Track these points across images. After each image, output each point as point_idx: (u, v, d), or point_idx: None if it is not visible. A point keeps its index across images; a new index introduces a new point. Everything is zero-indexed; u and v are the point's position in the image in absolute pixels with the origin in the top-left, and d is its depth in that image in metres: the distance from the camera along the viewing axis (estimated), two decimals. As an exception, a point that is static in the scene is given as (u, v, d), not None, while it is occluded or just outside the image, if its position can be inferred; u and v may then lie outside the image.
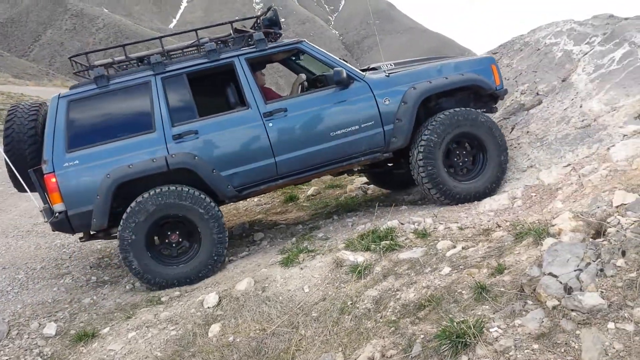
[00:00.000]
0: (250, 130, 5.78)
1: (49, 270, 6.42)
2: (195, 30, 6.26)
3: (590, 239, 3.67)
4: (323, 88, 6.10)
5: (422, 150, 5.99)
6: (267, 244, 6.37)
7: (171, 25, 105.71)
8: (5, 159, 5.70)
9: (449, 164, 6.20)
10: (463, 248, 4.64)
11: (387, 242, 5.08)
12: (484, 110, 6.58)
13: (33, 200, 5.97)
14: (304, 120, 5.90)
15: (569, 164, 5.65)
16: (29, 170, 5.61)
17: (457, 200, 6.11)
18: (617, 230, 3.56)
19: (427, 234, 5.23)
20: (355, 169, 6.95)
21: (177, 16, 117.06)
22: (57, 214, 5.40)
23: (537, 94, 7.14)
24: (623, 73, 6.24)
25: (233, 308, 4.62)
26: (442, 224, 5.46)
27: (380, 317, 3.99)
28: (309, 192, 8.53)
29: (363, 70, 6.59)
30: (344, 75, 5.85)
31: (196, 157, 5.59)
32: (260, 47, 5.97)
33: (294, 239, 6.15)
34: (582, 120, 6.14)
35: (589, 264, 3.36)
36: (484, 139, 6.15)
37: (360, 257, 4.87)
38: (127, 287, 5.90)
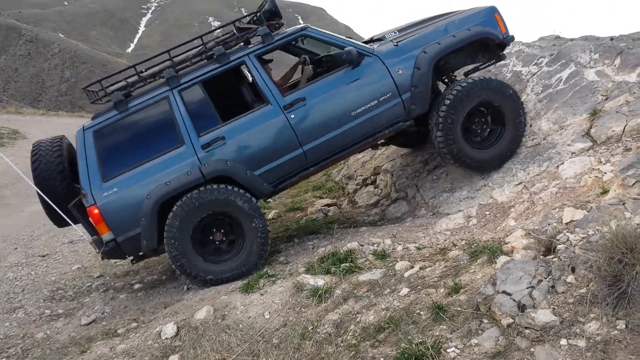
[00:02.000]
0: (274, 125, 5.80)
1: (0, 305, 6.20)
2: (201, 36, 6.25)
3: (541, 256, 3.77)
4: (335, 70, 6.07)
5: (442, 118, 6.01)
6: (226, 270, 6.29)
7: (128, 50, 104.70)
8: (44, 198, 5.74)
9: (466, 131, 6.23)
10: (421, 268, 4.69)
11: (347, 264, 5.10)
12: (493, 60, 6.71)
13: (79, 232, 6.02)
14: (324, 105, 5.90)
15: (521, 182, 5.80)
16: (69, 207, 5.68)
17: (470, 168, 6.29)
18: (567, 247, 3.66)
19: (386, 254, 5.26)
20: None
21: (135, 40, 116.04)
22: (107, 243, 5.51)
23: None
24: (570, 92, 6.47)
25: (192, 338, 4.54)
26: (400, 244, 5.51)
27: (341, 342, 3.98)
28: (270, 216, 8.49)
29: (367, 42, 6.64)
30: (355, 53, 5.86)
31: (228, 162, 5.68)
32: (267, 41, 6.00)
33: (254, 264, 6.09)
34: (532, 139, 6.33)
35: (540, 281, 3.44)
36: (504, 109, 6.20)
37: (320, 281, 4.87)
38: (83, 320, 5.74)
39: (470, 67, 6.85)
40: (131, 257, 5.94)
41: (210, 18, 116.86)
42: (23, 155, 14.03)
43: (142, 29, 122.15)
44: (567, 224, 4.20)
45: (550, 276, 3.46)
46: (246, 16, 6.74)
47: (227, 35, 6.38)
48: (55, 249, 7.86)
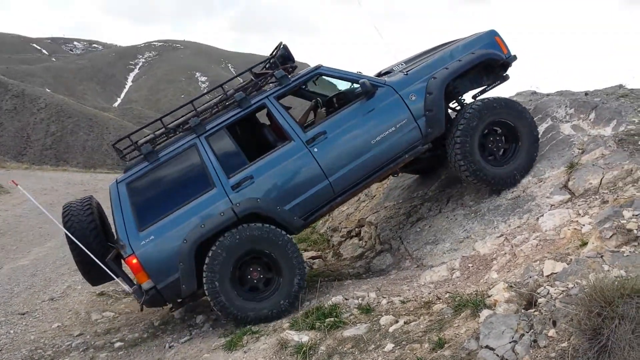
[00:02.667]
0: (300, 161, 6.03)
1: (-24, 367, 6.04)
2: (221, 85, 6.70)
3: (523, 310, 3.79)
4: (351, 103, 6.33)
5: (459, 138, 6.23)
6: (209, 326, 6.23)
7: (115, 104, 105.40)
8: (85, 256, 5.90)
9: (483, 149, 6.43)
10: (405, 322, 4.67)
11: (332, 319, 5.07)
12: (497, 81, 6.96)
13: (122, 284, 6.03)
14: (344, 137, 6.14)
15: (502, 234, 5.87)
16: (107, 261, 5.85)
17: (488, 184, 6.45)
18: (547, 301, 3.69)
19: (371, 308, 5.24)
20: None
21: (122, 95, 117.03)
22: (148, 291, 5.63)
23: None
24: (547, 146, 6.64)
25: (173, 398, 4.44)
26: (385, 297, 5.50)
27: (325, 400, 3.92)
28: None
29: (378, 75, 6.95)
30: (369, 84, 6.17)
31: (259, 200, 5.87)
32: (285, 82, 6.29)
33: (237, 320, 6.03)
34: (512, 192, 6.44)
35: (522, 335, 3.46)
36: (518, 127, 6.41)
37: (305, 337, 4.83)
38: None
39: (477, 90, 7.11)
40: (170, 305, 6.07)
41: (197, 73, 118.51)
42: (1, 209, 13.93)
43: (129, 83, 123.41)
44: (547, 276, 4.24)
45: (532, 330, 3.47)
46: (260, 63, 7.04)
47: (245, 82, 6.70)
48: (35, 306, 7.71)
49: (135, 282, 5.87)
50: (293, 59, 6.72)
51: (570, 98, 7.15)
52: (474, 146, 6.28)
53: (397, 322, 4.74)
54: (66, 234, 6.08)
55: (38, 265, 9.13)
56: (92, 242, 6.02)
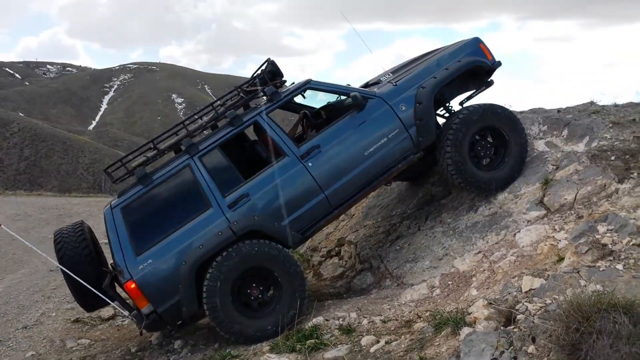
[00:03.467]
0: (295, 176, 6.05)
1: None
2: (211, 104, 6.72)
3: (502, 327, 3.80)
4: (342, 116, 6.36)
5: (449, 145, 6.32)
6: (187, 351, 6.13)
7: (90, 127, 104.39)
8: (78, 283, 5.82)
9: (473, 155, 6.52)
10: (386, 342, 4.65)
11: (313, 340, 5.03)
12: (483, 87, 7.06)
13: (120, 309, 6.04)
14: (338, 150, 6.19)
15: (480, 251, 5.90)
16: (103, 288, 5.81)
17: (479, 189, 6.55)
18: (526, 317, 3.71)
19: (352, 329, 5.22)
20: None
21: (97, 118, 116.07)
22: (148, 316, 5.57)
23: (447, 184, 7.52)
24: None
25: None
26: (366, 317, 5.48)
27: None
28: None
29: (366, 86, 7.04)
30: (360, 97, 6.22)
31: (256, 217, 5.86)
32: (276, 98, 6.32)
33: (216, 344, 5.95)
34: (489, 208, 6.49)
35: (502, 352, 3.46)
36: (506, 131, 6.53)
37: (285, 360, 4.77)
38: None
39: (464, 96, 7.21)
40: (170, 328, 6.05)
41: (173, 95, 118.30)
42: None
43: (104, 106, 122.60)
44: (526, 292, 4.27)
45: (512, 347, 3.48)
46: (248, 81, 7.00)
47: (235, 100, 6.73)
48: (8, 335, 7.51)
49: (133, 307, 5.79)
50: (281, 74, 6.76)
51: (543, 115, 7.27)
52: (465, 154, 6.38)
53: (378, 342, 4.72)
54: (60, 267, 5.99)
55: (11, 293, 8.91)
56: (87, 268, 5.95)
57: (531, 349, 3.41)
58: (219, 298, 5.54)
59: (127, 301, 6.06)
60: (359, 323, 5.37)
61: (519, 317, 3.79)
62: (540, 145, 6.79)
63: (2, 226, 6.32)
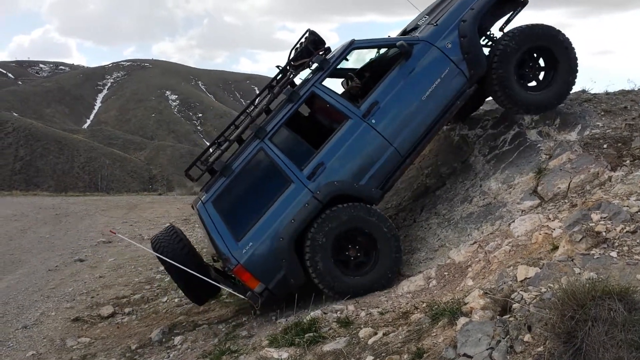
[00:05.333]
0: (362, 135, 6.24)
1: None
2: (267, 87, 7.01)
3: (498, 316, 3.83)
4: (392, 67, 6.45)
5: (496, 60, 6.49)
6: (187, 347, 6.15)
7: (85, 126, 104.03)
8: (193, 278, 6.17)
9: (520, 74, 6.69)
10: (384, 334, 4.67)
11: (311, 334, 5.04)
12: (519, 7, 7.12)
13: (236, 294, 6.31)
14: (396, 102, 6.32)
15: (476, 242, 5.94)
16: (214, 278, 6.32)
17: (527, 109, 6.78)
18: (521, 306, 3.74)
19: (349, 321, 5.23)
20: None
21: (91, 116, 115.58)
22: (262, 294, 5.95)
23: (441, 176, 7.56)
24: (515, 153, 6.77)
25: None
26: (364, 309, 5.51)
27: (307, 416, 3.90)
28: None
29: (404, 33, 7.22)
30: (406, 44, 6.33)
31: (336, 183, 6.11)
32: (326, 66, 6.43)
33: (216, 339, 5.99)
34: (483, 199, 6.53)
35: (499, 341, 3.49)
36: (557, 54, 6.66)
37: (284, 354, 4.80)
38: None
39: (502, 21, 7.26)
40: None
41: (167, 92, 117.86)
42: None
43: (98, 104, 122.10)
44: (521, 281, 4.30)
45: (508, 336, 3.51)
46: (292, 55, 7.00)
47: (286, 77, 6.88)
48: (8, 335, 7.52)
49: (245, 288, 6.07)
50: (324, 41, 6.81)
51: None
52: (511, 71, 6.51)
53: (376, 334, 4.73)
54: (173, 263, 6.25)
55: (10, 293, 8.92)
56: (191, 265, 6.24)
57: (527, 337, 3.44)
58: (322, 263, 5.88)
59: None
60: (356, 315, 5.39)
61: (514, 306, 3.82)
62: (533, 135, 6.83)
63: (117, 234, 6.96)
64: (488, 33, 7.21)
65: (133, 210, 16.04)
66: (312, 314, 5.51)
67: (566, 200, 5.60)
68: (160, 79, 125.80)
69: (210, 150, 6.96)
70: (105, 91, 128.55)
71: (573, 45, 6.73)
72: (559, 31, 6.70)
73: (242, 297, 6.14)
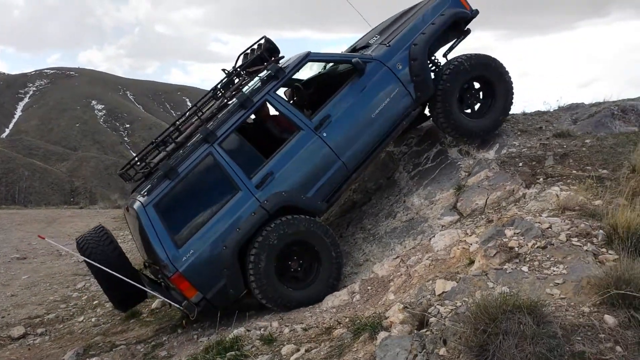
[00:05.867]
0: (312, 147, 6.27)
1: None
2: (214, 88, 6.91)
3: (416, 331, 3.90)
4: (345, 83, 6.54)
5: (440, 94, 6.70)
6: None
7: (3, 135, 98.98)
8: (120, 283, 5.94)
9: (461, 104, 6.94)
10: (306, 350, 4.66)
11: (233, 352, 4.95)
12: (462, 36, 7.35)
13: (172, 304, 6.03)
14: (347, 117, 6.42)
15: (398, 256, 6.03)
16: (148, 285, 6.14)
17: (467, 135, 6.99)
18: (438, 320, 3.82)
19: (273, 339, 5.18)
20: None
21: (10, 126, 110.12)
22: (199, 303, 5.82)
23: (367, 191, 7.67)
24: (437, 170, 6.97)
25: None
26: (287, 326, 5.47)
27: None
28: (154, 306, 8.13)
29: (354, 50, 7.29)
30: (362, 63, 6.49)
31: (284, 193, 6.08)
32: (281, 75, 6.41)
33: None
34: (407, 214, 6.67)
35: (416, 355, 3.55)
36: (496, 84, 6.96)
37: (204, 374, 4.69)
38: None
39: (446, 47, 7.48)
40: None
41: (93, 101, 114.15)
42: None
43: (18, 113, 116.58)
44: (439, 295, 4.39)
45: (425, 350, 3.57)
46: (246, 61, 6.97)
47: (238, 82, 6.75)
48: None
49: (181, 297, 5.92)
50: (278, 49, 6.79)
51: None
52: (453, 101, 6.73)
53: (298, 350, 4.71)
54: (92, 266, 6.07)
55: None
56: (121, 268, 6.06)
57: (442, 351, 3.51)
58: (264, 275, 5.82)
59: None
60: (280, 332, 5.35)
61: (431, 320, 3.90)
62: (453, 153, 7.05)
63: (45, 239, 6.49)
64: (433, 58, 7.43)
65: (52, 225, 15.32)
66: (235, 331, 5.43)
67: (483, 216, 5.80)
68: (86, 88, 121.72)
69: (146, 151, 6.76)
70: (26, 99, 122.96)
71: (510, 76, 7.07)
72: (497, 61, 7.01)
73: (178, 306, 5.96)
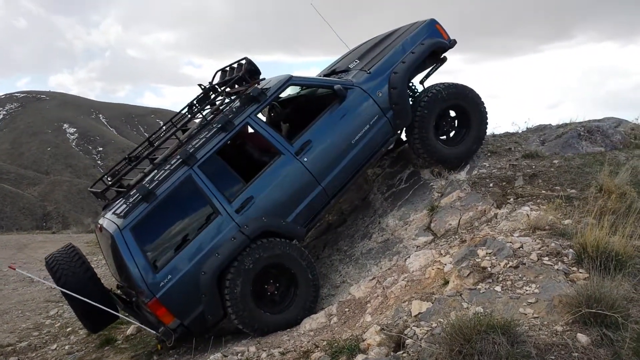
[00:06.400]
0: (293, 172, 6.25)
1: None
2: (188, 106, 6.92)
3: (392, 353, 3.93)
4: (326, 109, 6.55)
5: (417, 121, 6.82)
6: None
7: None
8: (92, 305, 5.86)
9: (437, 132, 7.05)
10: (284, 375, 4.65)
11: (210, 378, 4.92)
12: (438, 64, 7.50)
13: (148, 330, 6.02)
14: (328, 142, 6.44)
15: (374, 277, 6.07)
16: (123, 310, 6.15)
17: (441, 162, 7.07)
18: (414, 341, 3.86)
19: (251, 363, 5.16)
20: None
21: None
22: (176, 330, 5.70)
23: (342, 213, 7.73)
24: (410, 191, 7.06)
25: None
26: (265, 350, 5.44)
27: None
28: (128, 332, 8.00)
29: (332, 73, 7.36)
30: (343, 89, 6.53)
31: (264, 218, 6.02)
32: (262, 98, 6.37)
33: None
34: (382, 235, 6.73)
35: (392, 377, 3.57)
36: (471, 113, 7.11)
37: (180, 400, 4.63)
38: None
39: (423, 74, 7.63)
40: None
41: (65, 125, 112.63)
42: None
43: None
44: (415, 316, 4.43)
45: (401, 372, 3.60)
46: (226, 81, 6.96)
47: (222, 102, 6.79)
48: None
49: (157, 323, 5.84)
50: (259, 71, 6.82)
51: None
52: (430, 129, 6.85)
53: (275, 375, 4.70)
54: (64, 291, 5.94)
55: None
56: (92, 289, 5.98)
57: (419, 372, 3.55)
58: (241, 300, 5.74)
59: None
60: (257, 357, 5.32)
61: (407, 341, 3.94)
62: (426, 174, 7.16)
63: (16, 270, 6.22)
64: (410, 84, 7.56)
65: (22, 251, 15.02)
66: (211, 357, 5.38)
67: (457, 236, 5.88)
68: (58, 111, 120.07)
69: (118, 167, 6.75)
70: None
71: (485, 106, 7.25)
72: (473, 91, 7.19)
73: (154, 332, 5.88)
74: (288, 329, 6.09)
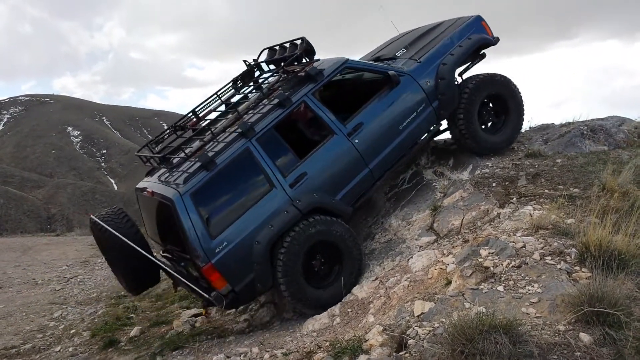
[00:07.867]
0: (344, 152, 6.40)
1: None
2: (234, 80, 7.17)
3: (395, 353, 3.92)
4: (379, 93, 6.69)
5: (462, 112, 6.94)
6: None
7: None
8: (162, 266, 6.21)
9: (480, 120, 7.19)
10: (287, 376, 4.65)
11: (213, 380, 4.92)
12: (477, 59, 7.69)
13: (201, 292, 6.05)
14: (378, 126, 6.57)
15: (377, 278, 6.07)
16: (175, 272, 6.27)
17: (486, 149, 7.26)
18: (416, 342, 3.85)
19: (253, 364, 5.16)
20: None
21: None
22: (227, 295, 5.87)
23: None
24: (413, 191, 7.06)
25: None
26: (268, 351, 5.45)
27: None
28: (132, 333, 8.02)
29: (377, 60, 7.46)
30: (397, 76, 6.65)
31: (316, 195, 6.18)
32: (319, 78, 6.50)
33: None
34: (385, 236, 6.73)
35: (395, 378, 3.57)
36: (509, 101, 7.26)
37: (184, 402, 4.64)
38: None
39: (462, 67, 7.66)
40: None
41: (69, 128, 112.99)
42: None
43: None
44: (417, 317, 4.42)
45: (404, 372, 3.60)
46: (282, 59, 7.13)
47: (278, 81, 6.93)
48: None
49: (209, 288, 5.94)
50: (314, 51, 6.93)
51: (430, 145, 7.67)
52: (474, 116, 6.98)
53: (279, 376, 4.69)
54: (114, 242, 6.13)
55: None
56: (142, 248, 6.12)
57: (421, 373, 3.54)
58: (292, 273, 5.91)
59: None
60: (261, 358, 5.32)
61: (410, 342, 3.93)
62: (428, 174, 7.16)
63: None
64: None
65: (27, 253, 15.08)
66: (214, 358, 5.40)
67: (459, 236, 5.87)
68: (62, 114, 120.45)
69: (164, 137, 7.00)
70: (0, 127, 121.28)
71: (522, 95, 7.38)
72: (511, 80, 7.31)
73: (206, 296, 5.95)
74: (291, 330, 6.10)
